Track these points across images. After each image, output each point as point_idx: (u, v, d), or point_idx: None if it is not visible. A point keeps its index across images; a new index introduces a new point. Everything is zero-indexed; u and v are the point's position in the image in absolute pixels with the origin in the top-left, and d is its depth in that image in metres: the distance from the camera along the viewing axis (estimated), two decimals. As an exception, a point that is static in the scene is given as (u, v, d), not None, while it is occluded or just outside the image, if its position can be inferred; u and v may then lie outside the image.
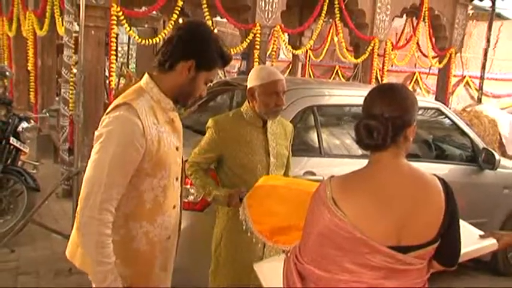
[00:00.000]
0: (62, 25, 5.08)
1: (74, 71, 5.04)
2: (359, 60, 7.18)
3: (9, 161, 4.08)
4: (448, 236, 1.39)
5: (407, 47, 8.12)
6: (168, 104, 1.65)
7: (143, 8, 8.13)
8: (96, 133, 1.55)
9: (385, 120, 1.35)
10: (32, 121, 4.37)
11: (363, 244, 1.32)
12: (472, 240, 1.75)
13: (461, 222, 1.45)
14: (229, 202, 2.17)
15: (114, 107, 1.56)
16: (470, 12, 9.60)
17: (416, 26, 7.76)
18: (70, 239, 1.73)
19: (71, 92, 4.95)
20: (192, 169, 2.33)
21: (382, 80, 7.50)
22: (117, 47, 5.31)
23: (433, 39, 7.99)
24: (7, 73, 4.79)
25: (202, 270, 2.41)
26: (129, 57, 13.50)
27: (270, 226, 1.97)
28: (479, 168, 3.79)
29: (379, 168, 1.39)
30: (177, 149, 1.71)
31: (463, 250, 1.46)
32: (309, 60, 11.58)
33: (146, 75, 1.66)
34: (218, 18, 9.18)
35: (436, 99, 7.85)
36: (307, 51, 9.96)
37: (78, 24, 4.09)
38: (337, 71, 13.33)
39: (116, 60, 5.47)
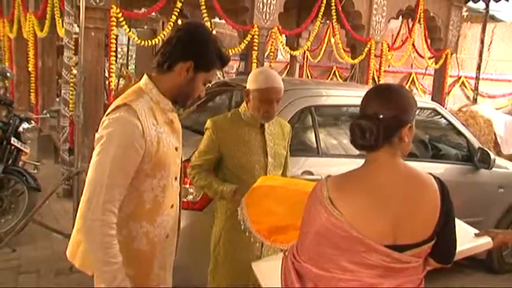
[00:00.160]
0: (62, 26, 5.10)
1: (74, 72, 5.06)
2: (356, 61, 7.22)
3: (10, 161, 4.09)
4: (444, 235, 1.39)
5: (403, 48, 8.17)
6: (167, 104, 1.65)
7: (142, 10, 8.16)
8: (97, 135, 1.55)
9: (378, 121, 1.34)
10: (32, 122, 4.38)
11: (359, 243, 1.32)
12: (467, 239, 1.75)
13: (457, 221, 1.46)
14: (236, 195, 2.16)
15: (114, 108, 1.56)
16: (465, 14, 9.67)
17: (412, 28, 7.80)
18: (70, 239, 1.73)
19: (71, 92, 4.97)
20: (194, 172, 2.33)
21: (379, 81, 7.53)
22: (116, 48, 5.32)
23: (429, 41, 8.04)
24: (8, 74, 4.81)
25: (202, 269, 2.41)
26: (129, 58, 13.48)
27: (268, 225, 1.97)
28: (475, 168, 3.81)
29: (375, 167, 1.39)
30: (176, 149, 1.71)
31: (458, 248, 1.46)
32: (306, 61, 11.61)
33: (145, 76, 1.66)
34: (217, 20, 9.20)
35: (432, 99, 7.88)
36: (304, 52, 9.98)
37: (78, 26, 4.11)
38: (334, 71, 13.34)
39: (116, 61, 5.47)
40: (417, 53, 8.27)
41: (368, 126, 1.35)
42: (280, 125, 2.43)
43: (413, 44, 7.95)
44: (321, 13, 6.50)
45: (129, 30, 5.46)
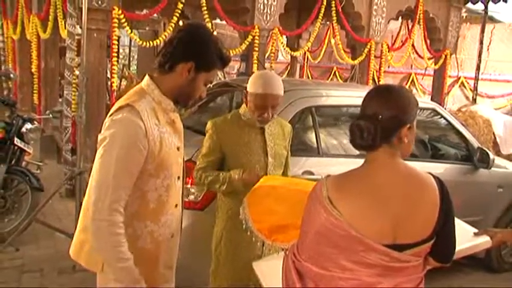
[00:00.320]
0: (65, 28, 5.12)
1: (77, 73, 5.11)
2: (356, 62, 7.23)
3: (13, 162, 4.09)
4: (444, 234, 1.39)
5: (403, 48, 8.20)
6: (168, 105, 1.66)
7: (144, 11, 8.21)
8: (100, 136, 1.55)
9: (376, 121, 1.35)
10: (35, 122, 4.38)
11: (358, 242, 1.33)
12: (467, 238, 1.75)
13: (456, 220, 1.46)
14: (244, 174, 2.17)
15: (117, 109, 1.57)
16: (464, 15, 9.68)
17: (412, 29, 7.82)
18: (74, 238, 1.73)
19: (73, 93, 4.99)
20: (199, 173, 2.32)
21: (379, 81, 7.55)
22: (118, 49, 5.37)
23: (428, 41, 8.05)
24: (11, 75, 4.85)
25: (203, 268, 2.42)
26: (131, 59, 13.50)
27: (268, 225, 1.98)
28: (474, 168, 3.82)
29: (374, 167, 1.40)
30: (178, 149, 1.72)
31: (457, 247, 1.47)
32: (307, 62, 11.63)
33: (147, 77, 1.67)
34: (218, 21, 9.20)
35: (432, 99, 7.88)
36: (305, 53, 10.00)
37: (81, 27, 4.14)
38: (334, 72, 13.33)
39: (118, 62, 5.50)
40: (417, 53, 8.29)
41: (366, 126, 1.36)
42: (281, 125, 2.44)
43: (413, 45, 7.97)
44: (321, 14, 6.52)
45: (131, 32, 5.48)
